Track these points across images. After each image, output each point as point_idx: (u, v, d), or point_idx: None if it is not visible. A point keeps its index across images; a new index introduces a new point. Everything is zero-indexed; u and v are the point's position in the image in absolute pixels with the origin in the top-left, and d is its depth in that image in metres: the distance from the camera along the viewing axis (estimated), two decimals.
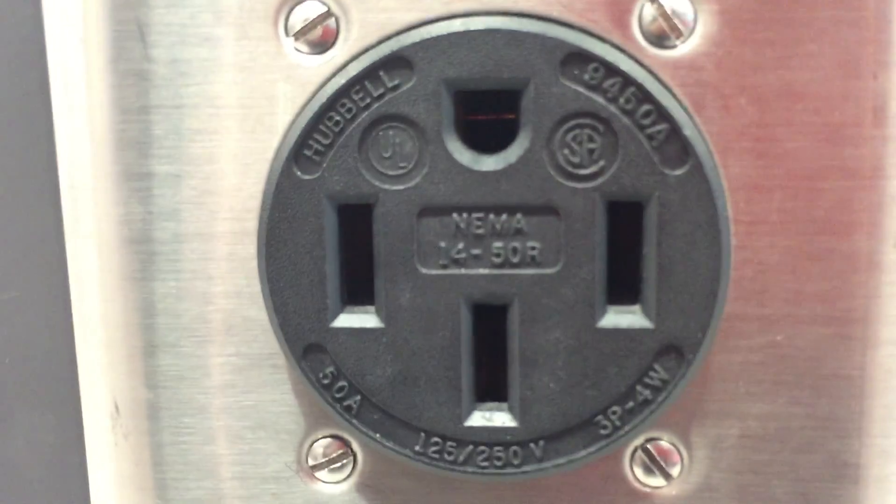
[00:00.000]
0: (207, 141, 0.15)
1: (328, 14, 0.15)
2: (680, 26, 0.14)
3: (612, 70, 0.14)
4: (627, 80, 0.14)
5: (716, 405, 0.16)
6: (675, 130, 0.14)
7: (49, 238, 0.16)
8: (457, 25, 0.14)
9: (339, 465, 0.16)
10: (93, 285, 0.16)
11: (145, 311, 0.16)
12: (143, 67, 0.15)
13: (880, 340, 0.15)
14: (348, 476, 0.16)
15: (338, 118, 0.14)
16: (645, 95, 0.14)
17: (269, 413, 0.16)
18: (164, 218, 0.15)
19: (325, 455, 0.16)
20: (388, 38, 0.15)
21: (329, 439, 0.16)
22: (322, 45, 0.15)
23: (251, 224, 0.15)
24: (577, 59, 0.14)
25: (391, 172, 0.14)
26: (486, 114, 0.15)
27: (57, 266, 0.16)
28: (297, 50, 0.15)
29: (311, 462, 0.16)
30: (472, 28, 0.14)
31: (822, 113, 0.15)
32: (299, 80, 0.15)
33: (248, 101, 0.15)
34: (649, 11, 0.14)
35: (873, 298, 0.15)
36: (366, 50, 0.15)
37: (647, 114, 0.14)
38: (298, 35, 0.15)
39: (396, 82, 0.14)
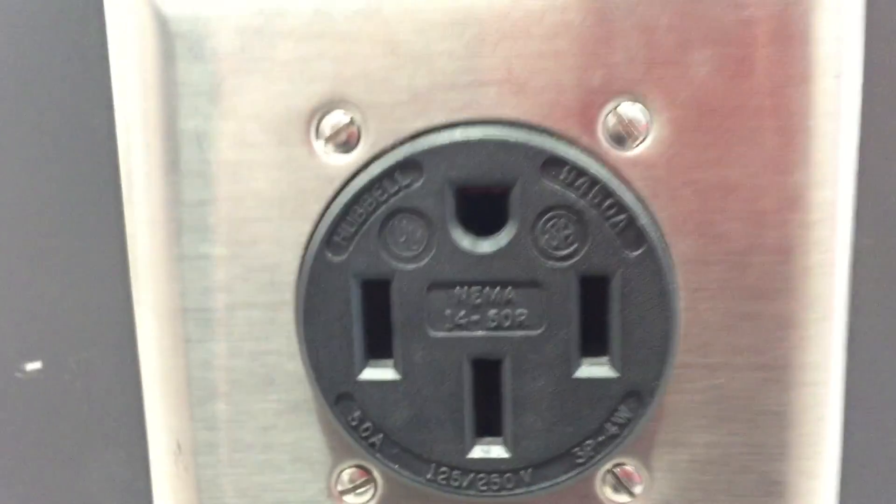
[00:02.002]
0: (252, 228, 0.18)
1: (351, 123, 0.18)
2: (636, 132, 0.18)
3: (581, 172, 0.17)
4: (594, 181, 0.17)
5: (670, 436, 0.19)
6: (632, 219, 0.18)
7: (122, 307, 0.19)
8: (457, 135, 0.18)
9: (363, 490, 0.20)
10: (157, 346, 0.19)
11: (203, 367, 0.19)
12: (199, 168, 0.18)
13: (799, 383, 0.18)
14: (370, 499, 0.20)
15: (361, 210, 0.18)
16: (608, 192, 0.17)
17: (305, 448, 0.19)
18: (218, 290, 0.19)
19: (351, 482, 0.20)
20: (402, 142, 0.18)
21: (354, 468, 0.20)
22: (346, 147, 0.18)
23: (289, 295, 0.19)
24: (554, 162, 0.17)
25: (405, 254, 0.18)
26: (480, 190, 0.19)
27: (128, 330, 0.19)
28: (325, 151, 0.18)
29: (339, 488, 0.20)
30: (470, 138, 0.17)
31: (751, 202, 0.18)
32: (328, 176, 0.18)
33: (285, 194, 0.18)
34: (611, 120, 0.18)
35: (793, 349, 0.18)
36: (383, 153, 0.18)
37: (610, 206, 0.17)
38: (327, 140, 0.18)
39: (409, 181, 0.18)
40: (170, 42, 0.18)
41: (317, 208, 0.18)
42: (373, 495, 0.20)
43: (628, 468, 0.19)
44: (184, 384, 0.19)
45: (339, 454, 0.19)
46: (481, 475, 0.19)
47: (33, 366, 0.19)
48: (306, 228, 0.18)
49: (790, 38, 0.17)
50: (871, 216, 0.19)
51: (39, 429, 0.19)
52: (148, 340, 0.19)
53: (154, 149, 0.18)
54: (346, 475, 0.20)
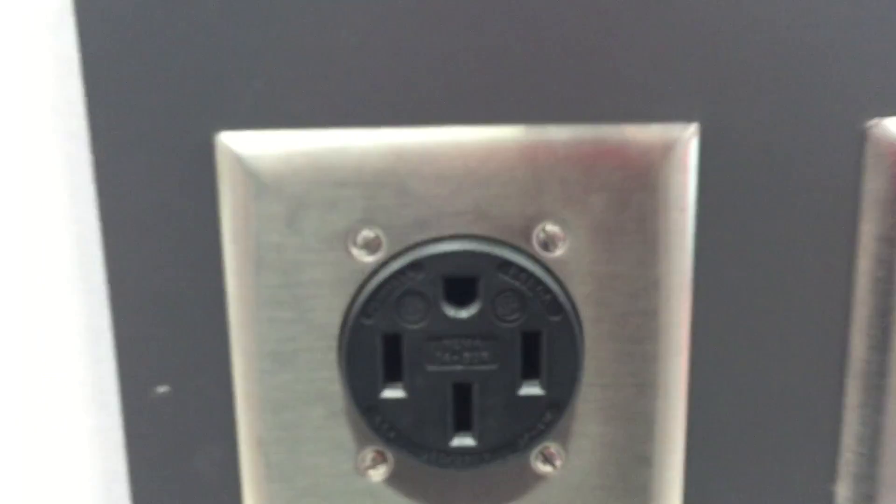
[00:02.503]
0: (312, 302, 0.28)
1: (376, 237, 0.28)
2: (557, 242, 0.28)
3: (522, 268, 0.28)
4: (530, 273, 0.28)
5: (578, 429, 0.29)
6: (554, 297, 0.28)
7: (223, 349, 0.29)
8: (445, 247, 0.28)
9: (379, 467, 0.30)
10: (245, 374, 0.29)
11: (276, 388, 0.29)
12: (278, 266, 0.28)
13: (659, 395, 0.29)
14: (384, 474, 0.30)
15: (383, 292, 0.28)
16: (539, 280, 0.28)
17: (341, 440, 0.29)
18: (288, 340, 0.28)
19: (371, 461, 0.30)
20: (409, 249, 0.28)
21: (374, 452, 0.30)
22: (372, 251, 0.28)
23: (334, 343, 0.28)
24: (506, 263, 0.28)
25: (411, 319, 0.28)
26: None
27: (227, 363, 0.29)
28: (359, 255, 0.28)
29: (363, 465, 0.30)
30: (453, 249, 0.27)
31: (629, 285, 0.28)
32: (361, 270, 0.28)
33: (333, 280, 0.28)
34: (541, 235, 0.28)
35: (656, 374, 0.29)
36: (397, 256, 0.28)
37: (542, 290, 0.28)
38: (360, 247, 0.28)
39: (414, 274, 0.28)
40: (261, 188, 0.27)
41: (352, 290, 0.28)
42: (386, 471, 0.30)
43: (552, 450, 0.30)
44: (263, 399, 0.29)
45: (363, 443, 0.30)
46: (458, 456, 0.29)
47: (163, 389, 0.29)
48: (346, 302, 0.28)
49: (653, 187, 0.28)
50: (705, 293, 0.29)
51: (167, 435, 0.29)
52: (240, 370, 0.29)
53: (248, 255, 0.28)
54: (368, 457, 0.30)
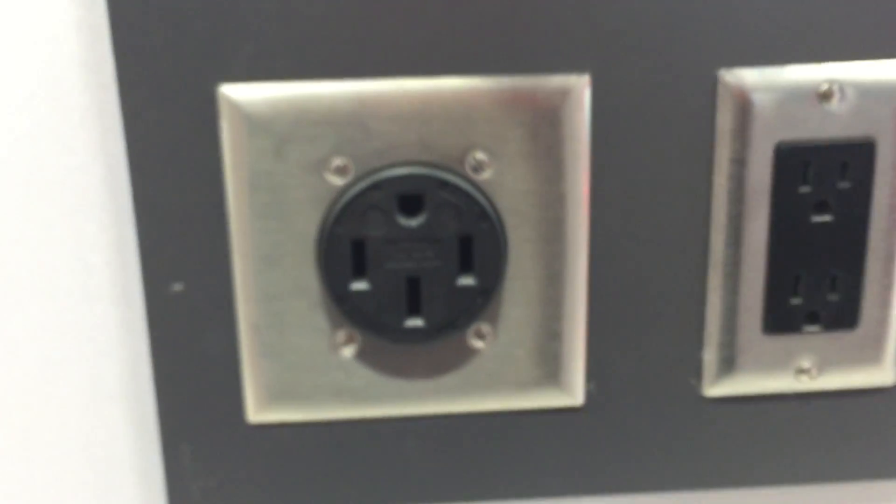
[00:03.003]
0: (294, 215, 0.36)
1: (344, 164, 0.36)
2: (485, 166, 0.36)
3: (458, 188, 0.36)
4: (464, 191, 0.36)
5: (503, 312, 0.38)
6: (482, 208, 0.36)
7: (225, 255, 0.37)
8: (398, 171, 0.36)
9: (350, 345, 0.38)
10: (244, 272, 0.37)
11: (270, 284, 0.37)
12: (267, 187, 0.36)
13: (564, 282, 0.38)
14: (354, 351, 0.38)
15: (351, 207, 0.35)
16: (471, 196, 0.36)
17: (319, 323, 0.37)
18: (276, 244, 0.36)
19: (344, 341, 0.38)
20: (371, 173, 0.36)
21: (345, 334, 0.38)
22: (342, 175, 0.36)
23: (312, 247, 0.36)
24: (445, 183, 0.35)
25: (373, 228, 0.36)
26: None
27: (229, 269, 0.37)
28: (331, 178, 0.36)
29: (336, 344, 0.38)
30: (404, 173, 0.35)
31: (542, 198, 0.37)
32: (333, 189, 0.36)
33: (312, 198, 0.36)
34: (472, 161, 0.36)
35: (563, 266, 0.37)
36: (362, 178, 0.36)
37: (473, 204, 0.36)
38: (332, 172, 0.36)
39: (375, 193, 0.35)
40: (253, 127, 0.35)
41: (327, 206, 0.36)
42: (355, 349, 0.38)
43: (483, 329, 0.38)
44: (257, 292, 0.37)
45: (336, 326, 0.38)
46: (411, 334, 0.37)
47: (178, 286, 0.37)
48: (321, 215, 0.36)
49: (557, 123, 0.36)
50: (599, 204, 0.38)
51: (181, 323, 0.37)
52: (239, 270, 0.37)
53: (244, 179, 0.36)
54: (340, 337, 0.38)
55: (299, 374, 0.38)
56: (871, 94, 0.36)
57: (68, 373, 0.38)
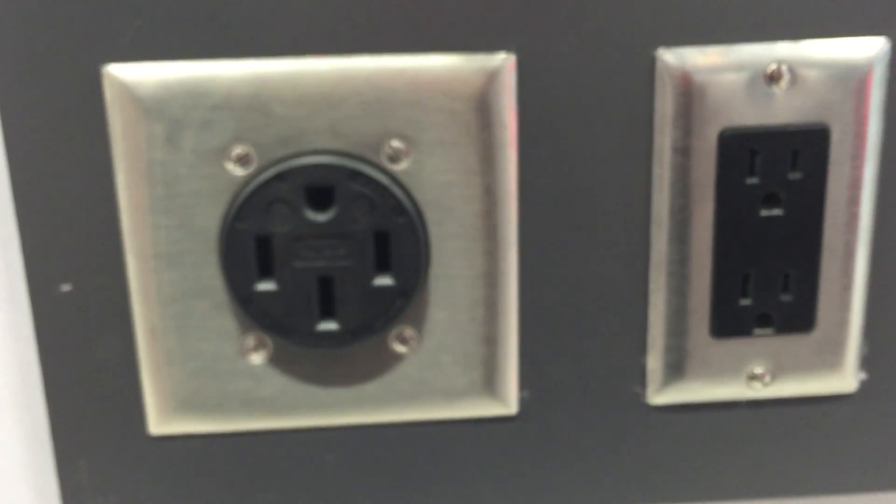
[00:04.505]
0: (192, 209, 0.33)
1: (246, 152, 0.33)
2: (402, 156, 0.33)
3: (371, 178, 0.32)
4: (378, 182, 0.33)
5: (429, 314, 0.35)
6: (398, 201, 0.33)
7: (115, 249, 0.34)
8: (304, 160, 0.32)
9: (259, 350, 0.35)
10: (138, 272, 0.33)
11: (167, 285, 0.34)
12: (161, 178, 0.32)
13: (487, 285, 0.35)
14: (264, 356, 0.35)
15: (254, 201, 0.32)
16: (385, 188, 0.33)
17: (225, 327, 0.34)
18: (173, 242, 0.33)
19: (253, 346, 0.35)
20: (276, 163, 0.33)
21: (254, 339, 0.35)
22: (244, 165, 0.33)
23: (214, 245, 0.33)
24: (357, 174, 0.32)
25: (279, 223, 0.33)
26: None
27: (121, 266, 0.33)
28: (232, 168, 0.33)
29: (244, 349, 0.35)
30: (312, 162, 0.32)
31: (462, 190, 0.34)
32: (234, 181, 0.33)
33: (210, 190, 0.33)
34: (388, 150, 0.33)
35: (488, 265, 0.34)
36: (265, 168, 0.33)
37: (388, 196, 0.33)
38: (233, 161, 0.33)
39: (280, 184, 0.32)
40: (143, 111, 0.32)
41: (228, 199, 0.33)
42: (266, 354, 0.35)
43: (406, 332, 0.35)
44: (155, 294, 0.34)
45: (245, 330, 0.34)
46: (324, 338, 0.34)
47: (66, 287, 0.34)
48: (222, 209, 0.33)
49: (480, 108, 0.33)
50: (528, 197, 0.34)
51: (71, 327, 0.34)
52: (133, 269, 0.34)
53: (135, 170, 0.33)
54: (249, 342, 0.35)
55: (204, 381, 0.35)
56: (825, 75, 0.33)
57: None
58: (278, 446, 0.36)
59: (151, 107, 0.32)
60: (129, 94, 0.32)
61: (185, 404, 0.35)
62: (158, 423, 0.35)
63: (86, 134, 0.32)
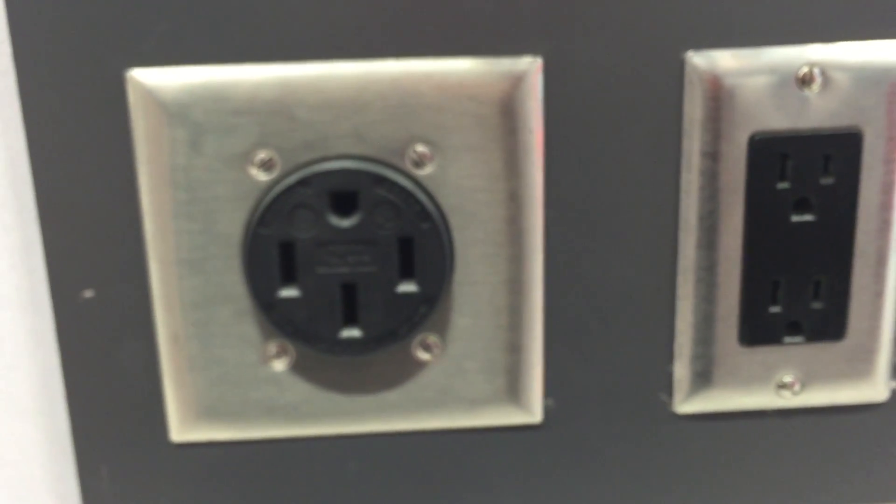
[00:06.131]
0: (216, 215, 0.33)
1: (270, 158, 0.32)
2: (426, 159, 0.33)
3: (396, 184, 0.32)
4: (402, 187, 0.32)
5: (454, 320, 0.35)
6: (424, 208, 0.32)
7: (139, 255, 0.33)
8: (328, 165, 0.32)
9: (282, 357, 0.35)
10: (162, 278, 0.33)
11: (190, 290, 0.33)
12: (185, 184, 0.32)
13: (514, 291, 0.34)
14: (287, 364, 0.35)
15: (277, 206, 0.32)
16: (410, 193, 0.32)
17: (248, 334, 0.34)
18: (197, 248, 0.33)
19: (275, 353, 0.35)
20: (299, 168, 0.32)
21: (277, 345, 0.34)
22: (267, 170, 0.32)
23: (237, 251, 0.33)
24: (382, 179, 0.32)
25: (302, 228, 0.32)
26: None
27: (144, 272, 0.33)
28: (256, 173, 0.32)
29: (267, 356, 0.35)
30: (336, 167, 0.32)
31: (486, 195, 0.33)
32: (258, 186, 0.32)
33: (234, 196, 0.32)
34: (413, 154, 0.33)
35: (514, 272, 0.34)
36: (289, 174, 0.32)
37: (413, 202, 0.32)
38: (257, 166, 0.32)
39: (304, 190, 0.32)
40: (167, 116, 0.32)
41: (251, 204, 0.33)
42: (288, 361, 0.35)
43: (430, 340, 0.35)
44: (177, 300, 0.33)
45: (267, 337, 0.34)
46: (347, 346, 0.34)
47: (89, 293, 0.33)
48: (245, 215, 0.33)
49: (506, 112, 0.32)
50: (555, 202, 0.34)
51: (94, 334, 0.34)
52: (156, 276, 0.33)
53: (158, 175, 0.32)
54: (272, 349, 0.35)
55: (227, 388, 0.34)
56: (858, 79, 0.32)
57: None
58: (300, 454, 0.36)
59: (175, 111, 0.31)
60: (153, 98, 0.31)
61: (207, 411, 0.35)
62: (180, 431, 0.35)
63: (109, 138, 0.32)
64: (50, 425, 0.36)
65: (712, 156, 0.33)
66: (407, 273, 0.33)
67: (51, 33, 0.31)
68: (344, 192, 0.32)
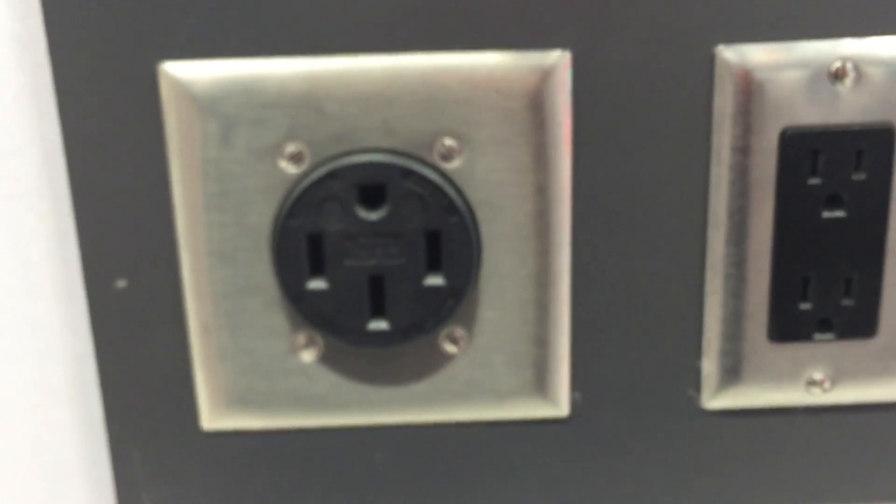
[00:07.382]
0: (246, 206, 0.33)
1: (299, 150, 0.32)
2: (454, 153, 0.33)
3: (424, 177, 0.32)
4: (430, 180, 0.32)
5: (476, 313, 0.35)
6: (450, 200, 0.32)
7: (172, 246, 0.34)
8: (357, 158, 0.32)
9: (310, 348, 0.35)
10: (193, 269, 0.34)
11: (220, 282, 0.34)
12: (216, 175, 0.33)
13: (541, 284, 0.34)
14: (315, 354, 0.35)
15: (306, 198, 0.32)
16: (437, 186, 0.32)
17: (277, 325, 0.34)
18: (226, 240, 0.33)
19: (304, 344, 0.35)
20: (328, 161, 0.32)
21: (305, 336, 0.35)
22: (296, 163, 0.33)
23: (266, 242, 0.33)
24: (409, 172, 0.32)
25: (330, 221, 0.33)
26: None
27: (176, 263, 0.34)
28: (285, 166, 0.33)
29: (295, 347, 0.35)
30: (364, 160, 0.32)
31: (515, 189, 0.33)
32: (287, 178, 0.32)
33: (263, 187, 0.33)
34: (441, 148, 0.33)
35: (541, 266, 0.34)
36: (317, 166, 0.33)
37: (440, 195, 0.32)
38: (286, 159, 0.33)
39: (332, 183, 0.32)
40: (198, 109, 0.32)
41: (280, 196, 0.33)
42: (317, 352, 0.35)
43: (457, 332, 0.35)
44: (208, 291, 0.34)
45: (296, 328, 0.35)
46: (374, 337, 0.34)
47: (122, 283, 0.34)
48: (275, 207, 0.33)
49: (535, 106, 0.32)
50: (582, 196, 0.34)
51: (126, 322, 0.34)
52: (187, 266, 0.34)
53: (189, 167, 0.33)
54: (300, 340, 0.35)
55: (256, 378, 0.35)
56: (891, 74, 0.32)
57: (10, 373, 0.35)
58: (328, 444, 0.36)
59: (206, 104, 0.32)
60: (185, 91, 0.32)
61: (237, 400, 0.35)
62: (211, 419, 0.35)
63: (142, 131, 0.32)
64: (84, 412, 0.36)
65: (743, 150, 0.33)
66: (434, 266, 0.33)
67: (85, 27, 0.31)
68: (372, 185, 0.32)
